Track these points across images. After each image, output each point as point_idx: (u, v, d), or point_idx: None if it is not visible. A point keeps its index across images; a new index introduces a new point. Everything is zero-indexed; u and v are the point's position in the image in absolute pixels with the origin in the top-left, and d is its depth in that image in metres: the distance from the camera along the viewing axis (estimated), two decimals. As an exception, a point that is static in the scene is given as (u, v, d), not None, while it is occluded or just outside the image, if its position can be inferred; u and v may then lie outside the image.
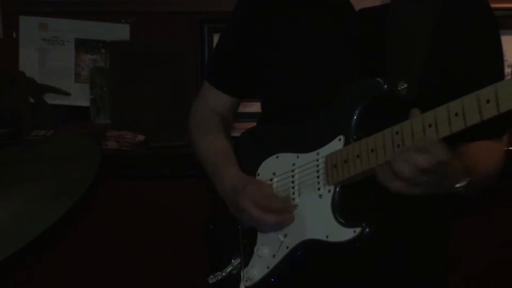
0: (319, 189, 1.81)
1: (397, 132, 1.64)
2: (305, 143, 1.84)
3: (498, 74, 1.89)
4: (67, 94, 3.16)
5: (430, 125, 1.59)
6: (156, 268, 3.09)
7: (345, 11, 1.86)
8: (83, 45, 3.17)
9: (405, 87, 1.74)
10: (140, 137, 2.92)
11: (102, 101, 3.10)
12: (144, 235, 3.03)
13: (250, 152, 1.97)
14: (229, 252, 1.94)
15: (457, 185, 1.70)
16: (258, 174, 1.91)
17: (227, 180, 1.91)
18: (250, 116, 2.75)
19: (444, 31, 1.81)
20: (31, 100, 3.11)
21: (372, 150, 1.68)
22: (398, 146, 1.63)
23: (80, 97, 3.17)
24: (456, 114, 1.55)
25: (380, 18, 1.82)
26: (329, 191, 1.79)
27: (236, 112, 2.14)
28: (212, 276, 1.93)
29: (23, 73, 3.13)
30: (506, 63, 3.01)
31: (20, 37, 3.17)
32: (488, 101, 1.51)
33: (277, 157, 1.89)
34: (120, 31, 3.15)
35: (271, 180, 1.88)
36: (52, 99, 3.15)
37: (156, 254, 3.05)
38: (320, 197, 1.80)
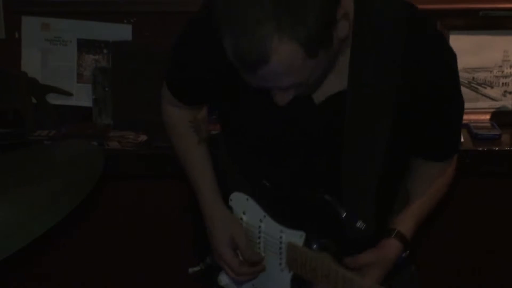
0: (280, 264, 1.86)
1: (350, 280, 1.69)
2: (272, 207, 1.87)
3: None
4: (69, 94, 3.14)
5: None
6: (159, 267, 3.11)
7: (305, 104, 1.75)
8: (85, 45, 3.13)
9: (362, 227, 1.74)
10: (143, 137, 2.92)
11: (105, 101, 3.10)
12: (147, 235, 3.08)
13: (224, 168, 1.98)
14: (204, 245, 1.98)
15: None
16: (231, 200, 1.95)
17: (206, 215, 1.95)
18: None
19: (401, 130, 1.72)
20: (34, 101, 3.08)
21: (327, 276, 1.73)
22: None
23: (82, 97, 3.15)
24: None
25: (336, 112, 1.72)
26: (289, 271, 1.84)
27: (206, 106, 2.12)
28: (190, 270, 2.01)
29: (25, 74, 3.11)
30: (508, 63, 3.03)
31: (23, 38, 3.14)
32: None
33: (247, 199, 1.91)
34: (123, 31, 3.11)
35: (241, 219, 1.92)
36: (54, 99, 3.12)
37: (160, 254, 3.10)
38: (281, 270, 1.86)
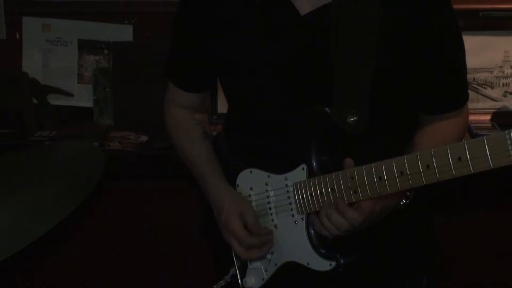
0: (293, 215, 1.86)
1: (352, 178, 1.71)
2: (273, 163, 1.89)
3: (455, 89, 1.85)
4: (70, 95, 3.16)
5: (380, 178, 1.66)
6: (161, 269, 3.09)
7: (290, 17, 1.80)
8: (86, 46, 3.16)
9: (355, 119, 1.75)
10: (144, 138, 2.93)
11: (105, 102, 3.12)
12: (148, 235, 3.04)
13: (227, 159, 2.01)
14: (227, 258, 1.99)
15: (401, 203, 1.83)
16: (238, 185, 1.96)
17: (213, 197, 1.96)
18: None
19: (390, 38, 1.74)
20: (35, 101, 3.10)
21: (332, 190, 1.75)
22: (355, 192, 1.71)
23: (83, 98, 3.18)
24: (402, 173, 1.62)
25: (322, 25, 1.77)
26: (302, 219, 1.85)
27: (209, 99, 2.16)
28: (215, 286, 1.99)
29: (26, 74, 3.13)
30: (508, 64, 3.03)
31: (23, 38, 3.17)
32: (427, 166, 1.57)
33: (250, 172, 1.94)
34: (123, 32, 3.14)
35: (249, 196, 1.93)
36: (55, 100, 3.14)
37: (161, 255, 3.06)
38: (295, 223, 1.86)
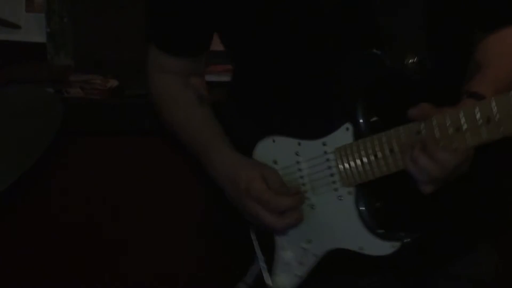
0: (336, 189, 1.85)
1: (419, 132, 1.70)
2: (304, 126, 1.87)
3: None
4: (16, 26, 3.17)
5: (458, 129, 1.65)
6: (133, 238, 3.10)
7: None
8: (36, -37, 2.96)
9: (414, 60, 1.76)
10: (113, 82, 2.95)
11: (63, 36, 3.13)
12: (119, 200, 3.05)
13: (237, 126, 2.01)
14: (244, 255, 1.98)
15: None
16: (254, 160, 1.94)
17: (221, 167, 1.94)
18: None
19: None
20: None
21: (392, 151, 1.74)
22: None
23: (33, 30, 3.19)
24: (489, 120, 1.61)
25: None
26: (350, 193, 1.84)
27: (204, 64, 2.12)
28: None
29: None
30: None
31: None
32: None
33: (273, 140, 1.92)
34: None
35: None
36: (-4, 33, 2.98)
37: (134, 224, 3.08)
38: (339, 199, 1.85)
